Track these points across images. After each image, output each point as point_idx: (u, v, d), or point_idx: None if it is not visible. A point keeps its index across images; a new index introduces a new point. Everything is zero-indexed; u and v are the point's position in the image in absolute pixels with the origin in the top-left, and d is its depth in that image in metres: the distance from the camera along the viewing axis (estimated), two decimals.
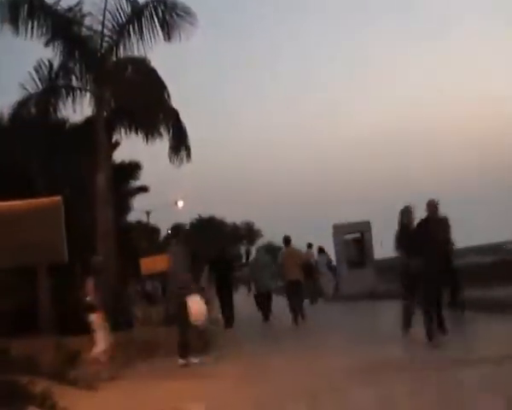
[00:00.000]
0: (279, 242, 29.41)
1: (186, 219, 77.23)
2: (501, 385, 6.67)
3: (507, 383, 6.74)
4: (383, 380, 7.84)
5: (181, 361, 10.69)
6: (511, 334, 10.17)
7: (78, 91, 16.93)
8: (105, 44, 16.61)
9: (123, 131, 17.68)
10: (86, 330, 11.33)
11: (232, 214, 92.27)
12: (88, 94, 16.83)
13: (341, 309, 21.48)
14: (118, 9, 16.36)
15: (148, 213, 44.81)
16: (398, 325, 12.00)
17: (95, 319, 10.82)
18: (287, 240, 17.83)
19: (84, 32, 16.68)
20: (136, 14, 16.38)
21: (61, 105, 16.90)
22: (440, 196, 12.03)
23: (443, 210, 11.76)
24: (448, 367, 8.14)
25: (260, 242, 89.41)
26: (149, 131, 17.44)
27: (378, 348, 10.51)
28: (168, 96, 17.28)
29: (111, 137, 17.46)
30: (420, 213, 11.05)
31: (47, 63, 16.57)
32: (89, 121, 17.80)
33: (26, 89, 16.55)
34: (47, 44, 16.12)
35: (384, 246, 23.06)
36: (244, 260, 50.60)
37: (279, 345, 13.14)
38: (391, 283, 24.53)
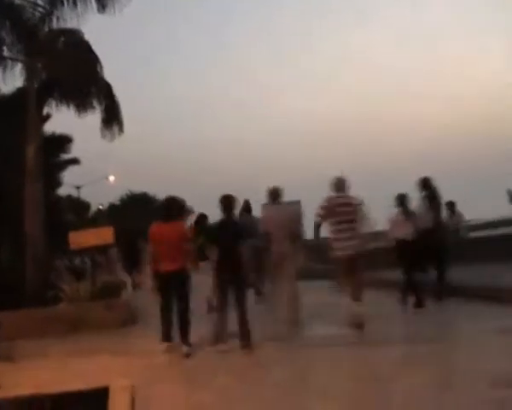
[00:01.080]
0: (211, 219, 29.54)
1: (117, 194, 76.51)
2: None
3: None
4: (303, 356, 8.03)
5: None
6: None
7: (10, 62, 16.56)
8: (37, 14, 16.25)
9: (54, 103, 17.39)
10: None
11: (165, 191, 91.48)
12: (19, 65, 16.49)
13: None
14: None
15: (78, 188, 44.17)
16: (322, 304, 12.20)
17: None
18: None
19: (17, 1, 16.29)
20: None
21: None
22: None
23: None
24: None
25: (193, 219, 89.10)
26: (81, 105, 17.17)
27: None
28: (101, 68, 17.05)
29: (42, 110, 17.14)
30: None
31: None
32: (20, 92, 17.46)
33: None
34: None
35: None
36: None
37: None
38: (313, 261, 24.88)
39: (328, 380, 6.60)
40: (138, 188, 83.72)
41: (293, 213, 11.33)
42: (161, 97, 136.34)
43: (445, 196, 13.14)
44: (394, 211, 12.00)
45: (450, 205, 18.37)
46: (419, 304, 11.17)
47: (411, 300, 11.36)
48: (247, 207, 15.45)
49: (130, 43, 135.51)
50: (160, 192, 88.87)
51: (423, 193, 12.27)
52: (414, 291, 11.42)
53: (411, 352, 7.78)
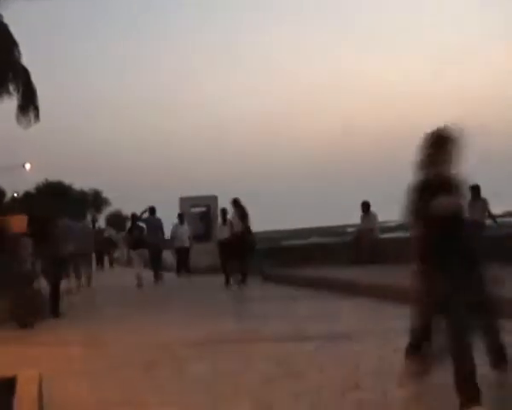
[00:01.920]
0: (127, 212, 29.63)
1: (33, 182, 74.89)
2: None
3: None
4: (219, 352, 8.15)
5: None
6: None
7: None
8: None
9: None
10: None
11: (82, 181, 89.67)
12: None
13: (185, 283, 21.63)
14: None
15: None
16: (239, 299, 12.40)
17: None
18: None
19: None
20: None
21: None
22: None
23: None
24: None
25: (107, 210, 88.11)
26: None
27: (218, 321, 10.91)
28: (19, 54, 16.67)
29: None
30: None
31: None
32: None
33: None
34: None
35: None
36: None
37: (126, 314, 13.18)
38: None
39: None
40: (56, 177, 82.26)
41: None
42: (80, 91, 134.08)
43: (362, 197, 13.73)
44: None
45: (365, 206, 18.71)
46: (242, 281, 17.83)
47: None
48: (151, 210, 21.41)
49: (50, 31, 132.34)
50: (78, 182, 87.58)
51: (235, 209, 18.56)
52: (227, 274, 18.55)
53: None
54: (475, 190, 15.74)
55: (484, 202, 15.70)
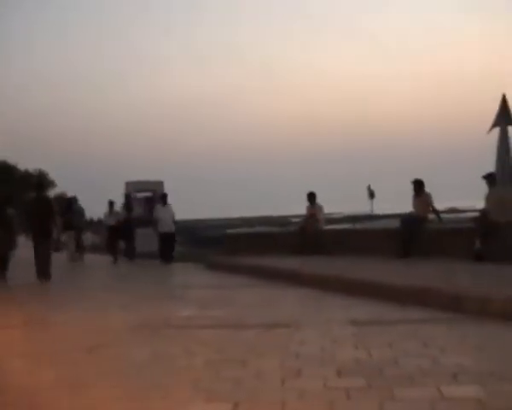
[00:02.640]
0: (72, 194, 29.42)
1: None
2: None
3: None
4: (161, 337, 8.18)
5: None
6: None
7: None
8: None
9: None
10: None
11: (28, 161, 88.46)
12: None
13: (131, 267, 21.59)
14: None
15: None
16: (181, 285, 12.42)
17: None
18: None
19: None
20: None
21: None
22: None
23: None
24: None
25: (53, 192, 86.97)
26: None
27: (161, 305, 11.00)
28: None
29: None
30: None
31: None
32: None
33: None
34: None
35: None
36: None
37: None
38: (179, 244, 25.26)
39: None
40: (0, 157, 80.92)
41: None
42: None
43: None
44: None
45: (311, 197, 18.89)
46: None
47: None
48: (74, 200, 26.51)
49: None
50: (23, 162, 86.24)
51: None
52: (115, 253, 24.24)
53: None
54: (419, 185, 16.02)
55: (427, 197, 15.97)
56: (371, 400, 4.89)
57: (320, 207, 19.31)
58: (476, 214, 15.71)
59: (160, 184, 27.53)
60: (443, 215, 19.26)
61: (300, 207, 20.38)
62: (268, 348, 7.14)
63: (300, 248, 18.14)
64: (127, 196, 26.38)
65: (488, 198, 14.33)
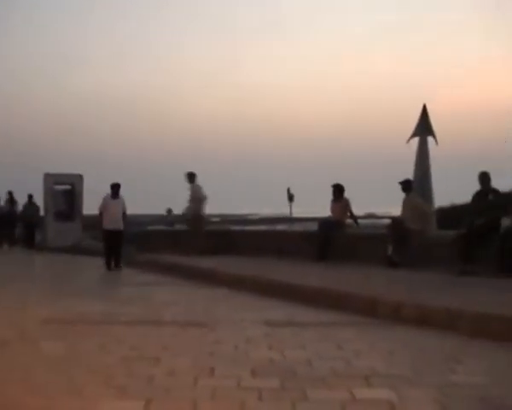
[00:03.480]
0: None
1: None
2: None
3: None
4: (76, 332, 8.05)
5: None
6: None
7: None
8: None
9: None
10: None
11: None
12: None
13: (46, 261, 21.20)
14: None
15: None
16: (97, 280, 12.26)
17: None
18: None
19: None
20: None
21: None
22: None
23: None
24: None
25: None
26: None
27: (75, 301, 10.83)
28: None
29: None
30: None
31: None
32: None
33: None
34: None
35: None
36: None
37: None
38: (95, 239, 24.95)
39: None
40: None
41: None
42: None
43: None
44: None
45: None
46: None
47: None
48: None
49: None
50: None
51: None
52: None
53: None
54: (339, 190, 16.21)
55: (346, 202, 16.18)
56: (284, 400, 4.90)
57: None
58: (392, 220, 16.01)
59: (80, 177, 27.14)
60: (361, 221, 19.54)
61: (224, 207, 20.32)
62: (182, 347, 7.10)
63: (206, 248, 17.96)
64: (10, 192, 29.51)
65: (403, 205, 14.62)
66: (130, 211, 18.08)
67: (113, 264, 17.34)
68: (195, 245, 18.10)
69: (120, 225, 17.44)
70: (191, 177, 18.71)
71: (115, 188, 17.55)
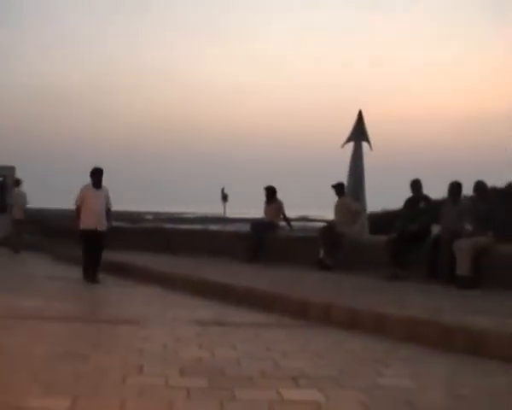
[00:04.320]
0: None
1: None
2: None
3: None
4: (4, 327, 7.90)
5: None
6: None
7: None
8: None
9: None
10: None
11: None
12: None
13: None
14: None
15: None
16: (29, 275, 12.06)
17: None
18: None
19: None
20: None
21: None
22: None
23: None
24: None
25: None
26: None
27: (6, 295, 10.79)
28: None
29: None
30: None
31: None
32: None
33: None
34: None
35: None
36: None
37: None
38: (30, 233, 24.49)
39: None
40: None
41: None
42: None
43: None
44: None
45: None
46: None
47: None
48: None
49: None
50: None
51: None
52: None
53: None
54: (272, 192, 16.29)
55: (279, 204, 16.27)
56: (212, 400, 4.90)
57: None
58: (324, 224, 16.17)
59: (11, 169, 26.68)
60: (294, 223, 19.66)
61: (158, 205, 20.24)
62: (112, 344, 7.05)
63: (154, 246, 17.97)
64: None
65: (336, 208, 14.78)
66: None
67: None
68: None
69: (103, 225, 13.43)
70: (16, 182, 19.82)
71: (97, 174, 13.48)
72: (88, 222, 13.21)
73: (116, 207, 14.63)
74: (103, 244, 13.47)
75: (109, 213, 13.60)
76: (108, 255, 16.12)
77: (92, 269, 13.17)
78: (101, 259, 13.38)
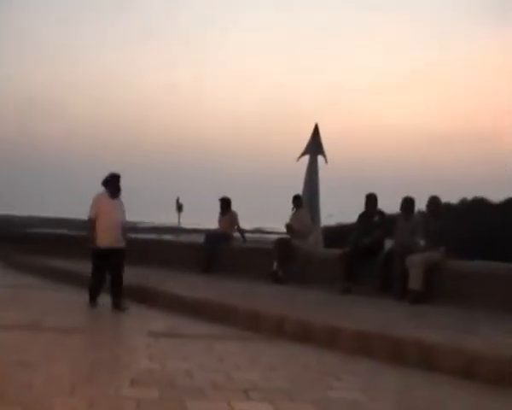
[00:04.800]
0: None
1: None
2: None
3: None
4: None
5: None
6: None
7: None
8: None
9: None
10: None
11: None
12: None
13: None
14: None
15: None
16: None
17: None
18: None
19: None
20: None
21: None
22: None
23: None
24: None
25: None
26: None
27: None
28: None
29: None
30: None
31: None
32: None
33: None
34: None
35: None
36: None
37: None
38: None
39: None
40: None
41: None
42: None
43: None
44: None
45: None
46: None
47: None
48: None
49: None
50: None
51: None
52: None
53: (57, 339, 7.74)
54: (226, 203, 16.26)
55: (233, 216, 16.25)
56: None
57: None
58: (278, 236, 16.20)
59: None
60: (248, 235, 19.66)
61: None
62: (62, 353, 6.96)
63: None
64: None
65: (291, 220, 14.81)
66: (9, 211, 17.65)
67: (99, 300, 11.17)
68: None
69: (121, 240, 11.22)
70: None
71: (113, 181, 11.19)
72: (104, 239, 10.92)
73: (68, 214, 14.57)
74: (124, 263, 11.23)
75: (125, 228, 11.46)
76: (58, 262, 15.94)
77: (112, 293, 10.90)
78: (122, 281, 11.07)
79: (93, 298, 11.01)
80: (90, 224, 10.98)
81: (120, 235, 11.07)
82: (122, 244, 11.12)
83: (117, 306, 10.65)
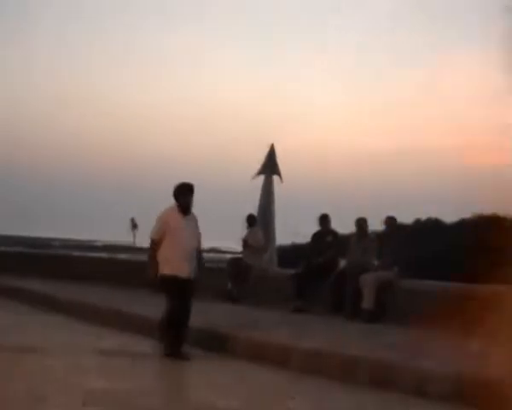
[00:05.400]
0: None
1: None
2: None
3: None
4: None
5: None
6: None
7: None
8: None
9: None
10: None
11: None
12: None
13: None
14: None
15: None
16: None
17: None
18: None
19: None
20: None
21: None
22: None
23: None
24: None
25: None
26: None
27: None
28: None
29: None
30: None
31: None
32: None
33: None
34: None
35: None
36: None
37: None
38: None
39: None
40: None
41: None
42: None
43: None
44: None
45: None
46: None
47: None
48: None
49: None
50: None
51: None
52: None
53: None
54: None
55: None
56: None
57: None
58: (232, 256, 16.21)
59: None
60: (204, 254, 19.59)
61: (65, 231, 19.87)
62: (14, 373, 6.89)
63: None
64: None
65: (244, 239, 14.84)
66: None
67: None
68: None
69: (193, 269, 9.03)
70: None
71: (187, 194, 8.97)
72: (177, 266, 8.74)
73: (20, 232, 14.46)
74: (191, 297, 9.00)
75: (200, 253, 9.50)
76: (17, 282, 15.67)
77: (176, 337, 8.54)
78: (189, 320, 8.83)
79: (174, 344, 8.42)
80: (152, 246, 9.02)
81: (194, 260, 9.05)
82: (194, 274, 9.05)
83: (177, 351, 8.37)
